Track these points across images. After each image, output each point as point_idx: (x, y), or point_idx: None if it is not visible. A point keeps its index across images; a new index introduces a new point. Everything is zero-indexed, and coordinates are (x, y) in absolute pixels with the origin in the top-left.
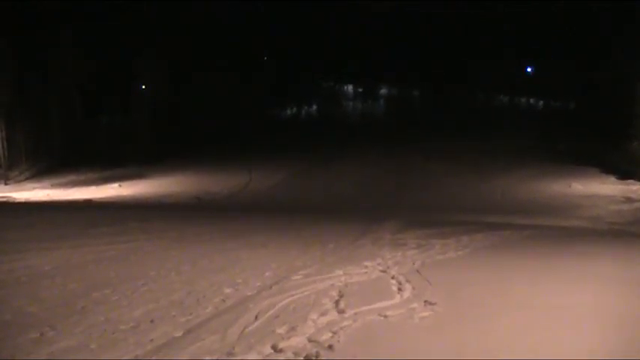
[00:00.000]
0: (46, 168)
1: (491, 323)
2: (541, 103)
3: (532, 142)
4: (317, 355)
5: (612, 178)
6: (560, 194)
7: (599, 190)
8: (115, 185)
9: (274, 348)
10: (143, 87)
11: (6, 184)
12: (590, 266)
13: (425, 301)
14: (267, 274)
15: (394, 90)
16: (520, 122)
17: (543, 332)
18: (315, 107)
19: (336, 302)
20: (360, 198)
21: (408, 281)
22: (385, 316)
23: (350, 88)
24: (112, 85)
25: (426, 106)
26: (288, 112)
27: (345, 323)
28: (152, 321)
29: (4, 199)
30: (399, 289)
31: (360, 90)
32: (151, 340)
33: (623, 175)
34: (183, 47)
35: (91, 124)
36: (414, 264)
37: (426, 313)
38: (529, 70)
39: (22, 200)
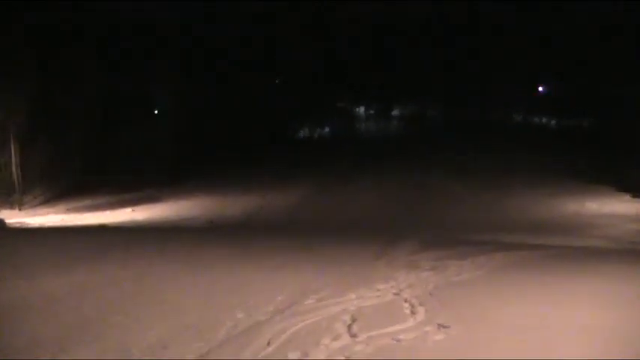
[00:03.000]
0: (60, 192)
1: (506, 346)
2: (553, 122)
3: (547, 159)
4: None
5: (627, 197)
6: (576, 213)
7: (616, 208)
8: (129, 210)
9: None
10: (155, 112)
11: (20, 209)
12: (610, 287)
13: (438, 324)
14: (279, 297)
15: (406, 110)
16: (535, 140)
17: (563, 354)
18: (327, 129)
19: (349, 326)
20: (376, 218)
21: (421, 304)
22: (398, 340)
23: (362, 109)
24: (128, 109)
25: (439, 126)
26: (302, 134)
27: (358, 348)
28: (165, 347)
29: (19, 225)
30: (412, 312)
31: (372, 112)
32: None
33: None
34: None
35: (107, 148)
36: (427, 286)
37: (439, 337)
38: (540, 89)
39: (36, 226)
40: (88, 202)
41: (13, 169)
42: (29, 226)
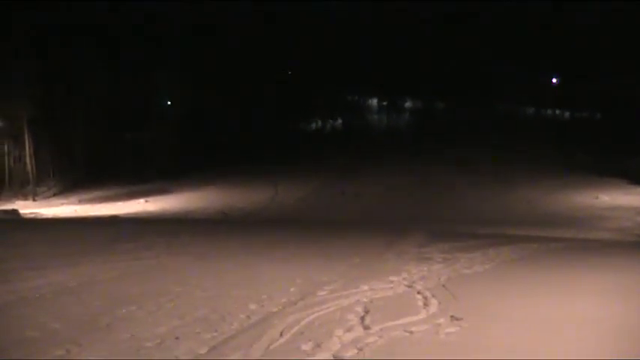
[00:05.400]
0: (73, 184)
1: (518, 338)
2: (567, 114)
3: (557, 152)
4: None
5: (639, 189)
6: (586, 206)
7: (627, 201)
8: (141, 201)
9: None
10: (169, 103)
11: (34, 200)
12: (620, 279)
13: (451, 317)
14: (292, 289)
15: (419, 103)
16: (545, 133)
17: (574, 347)
18: (339, 121)
19: (362, 318)
20: (385, 211)
21: (433, 296)
22: (411, 332)
23: (374, 101)
24: (135, 100)
25: (450, 118)
26: (313, 126)
27: (371, 339)
28: (177, 338)
29: (32, 215)
30: (425, 305)
31: (385, 103)
32: (176, 357)
33: None
34: (207, 61)
35: (116, 139)
36: (439, 278)
37: (452, 329)
38: (554, 80)
39: (50, 216)
40: (99, 193)
41: (27, 161)
42: (43, 216)
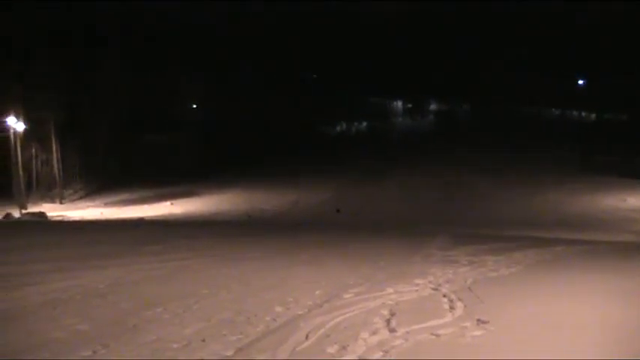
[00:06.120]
0: (99, 187)
1: (545, 342)
2: (593, 115)
3: (583, 154)
4: None
5: None
6: (612, 208)
7: None
8: (167, 203)
9: None
10: (194, 106)
11: (61, 202)
12: None
13: (477, 320)
14: (317, 292)
15: (444, 105)
16: (571, 135)
17: (600, 350)
18: (364, 124)
19: (387, 321)
20: (409, 213)
21: (459, 299)
22: (437, 335)
23: (399, 103)
24: (160, 104)
25: (475, 120)
26: (338, 128)
27: (397, 342)
28: (203, 340)
29: (59, 218)
30: (451, 308)
31: (409, 106)
32: (202, 359)
33: None
34: (231, 65)
35: (141, 142)
36: (465, 281)
37: (478, 332)
38: (580, 82)
39: (77, 219)
40: (125, 196)
41: (54, 164)
42: (69, 219)
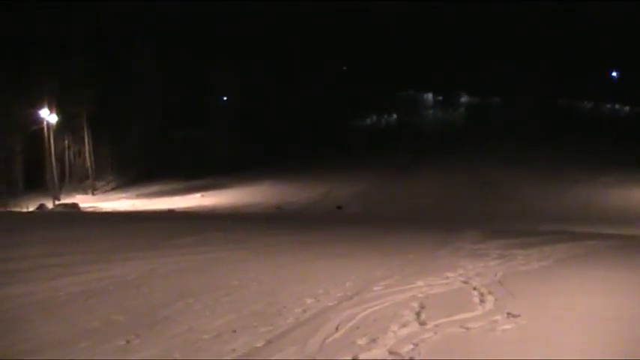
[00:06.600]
0: (131, 178)
1: (576, 336)
2: (627, 108)
3: (616, 148)
4: None
5: None
6: None
7: None
8: (198, 195)
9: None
10: (225, 99)
11: (93, 194)
12: None
13: (507, 313)
14: (347, 284)
15: (475, 98)
16: (604, 128)
17: (632, 347)
18: (395, 116)
19: (417, 314)
20: (438, 207)
21: (490, 293)
22: (467, 329)
23: (430, 96)
24: (191, 96)
25: (507, 113)
26: (368, 121)
27: (426, 335)
28: (234, 331)
29: (91, 209)
30: (481, 301)
31: (440, 98)
32: (233, 350)
33: None
34: (259, 58)
35: (173, 135)
36: (496, 275)
37: (508, 326)
38: (614, 74)
39: (109, 210)
40: (156, 188)
41: (87, 156)
42: (101, 210)
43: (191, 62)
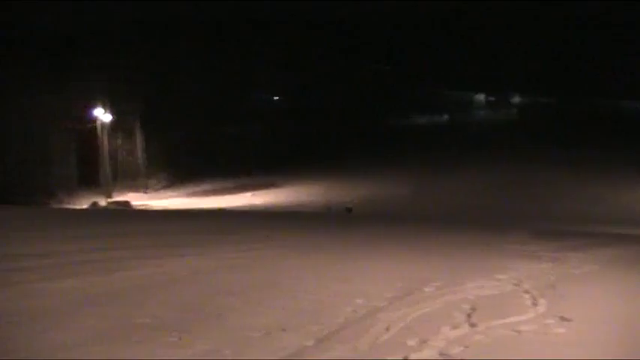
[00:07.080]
0: (182, 177)
1: (630, 341)
2: None
3: None
4: None
5: None
6: None
7: None
8: (248, 194)
9: None
10: (275, 98)
11: (145, 192)
12: None
13: (560, 317)
14: (398, 285)
15: (527, 98)
16: None
17: None
18: (445, 117)
19: (468, 315)
20: (485, 207)
21: (542, 296)
22: (518, 332)
23: (481, 96)
24: (242, 95)
25: (560, 114)
26: (416, 121)
27: (477, 337)
28: (283, 329)
29: (143, 207)
30: (533, 304)
31: (492, 99)
32: (283, 348)
33: None
34: (310, 57)
35: (224, 134)
36: (548, 278)
37: (561, 330)
38: None
39: (160, 208)
40: (208, 186)
41: (139, 154)
42: (152, 208)
43: (241, 61)
